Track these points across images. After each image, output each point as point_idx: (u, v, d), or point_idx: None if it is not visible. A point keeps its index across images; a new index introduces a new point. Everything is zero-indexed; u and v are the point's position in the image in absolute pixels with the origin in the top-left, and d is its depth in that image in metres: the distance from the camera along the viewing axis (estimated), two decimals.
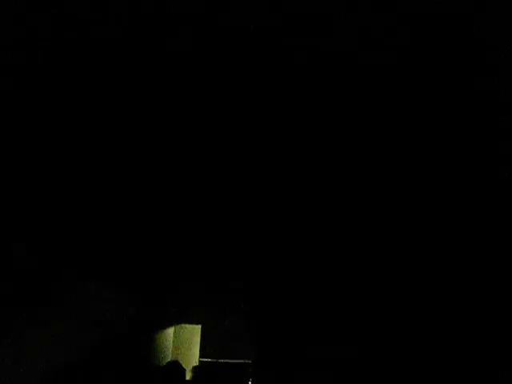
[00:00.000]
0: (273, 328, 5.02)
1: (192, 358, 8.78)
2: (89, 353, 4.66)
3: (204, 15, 1.34)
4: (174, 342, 8.75)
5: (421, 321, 2.78)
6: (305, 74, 1.64)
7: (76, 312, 4.47)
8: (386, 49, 1.48)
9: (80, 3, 1.29)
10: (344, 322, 3.72)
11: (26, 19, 1.36)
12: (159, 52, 1.53)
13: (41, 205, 3.03)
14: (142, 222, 3.43)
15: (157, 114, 1.94)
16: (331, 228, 3.39)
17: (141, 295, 6.15)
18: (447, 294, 2.60)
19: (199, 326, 9.26)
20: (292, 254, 4.17)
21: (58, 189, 2.78)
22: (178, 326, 8.90)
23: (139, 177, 2.60)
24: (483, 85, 1.66)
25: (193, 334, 9.08)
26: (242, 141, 2.15)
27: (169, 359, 8.01)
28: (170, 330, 8.59)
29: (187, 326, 9.07)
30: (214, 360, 8.83)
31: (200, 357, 8.99)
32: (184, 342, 8.86)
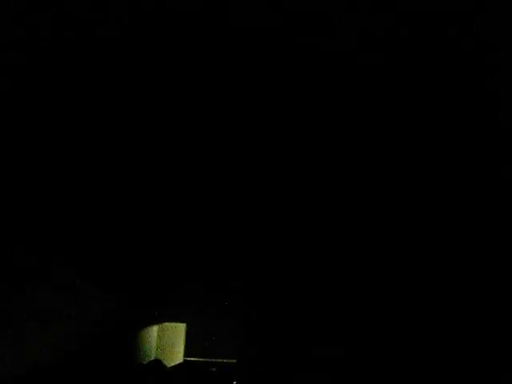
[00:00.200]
0: (258, 328, 5.02)
1: (176, 356, 8.80)
2: (73, 351, 4.65)
3: (204, 15, 1.34)
4: (158, 340, 8.76)
5: (418, 320, 2.78)
6: (305, 74, 1.64)
7: (63, 311, 4.46)
8: (386, 49, 1.48)
9: (80, 3, 1.29)
10: (333, 322, 3.72)
11: (26, 19, 1.36)
12: (159, 52, 1.53)
13: (37, 204, 3.03)
14: (131, 222, 3.44)
15: (157, 114, 1.94)
16: (330, 228, 3.39)
17: (125, 294, 6.14)
18: (447, 295, 2.60)
19: (183, 325, 9.27)
20: (287, 252, 4.17)
21: (56, 188, 2.77)
22: (162, 325, 8.91)
23: (138, 176, 2.60)
24: (483, 85, 1.66)
25: (177, 332, 9.08)
26: (241, 141, 2.15)
27: (152, 358, 8.01)
28: (154, 329, 8.59)
29: (171, 324, 9.09)
30: (199, 359, 8.85)
31: (184, 356, 9.01)
32: (168, 341, 8.88)
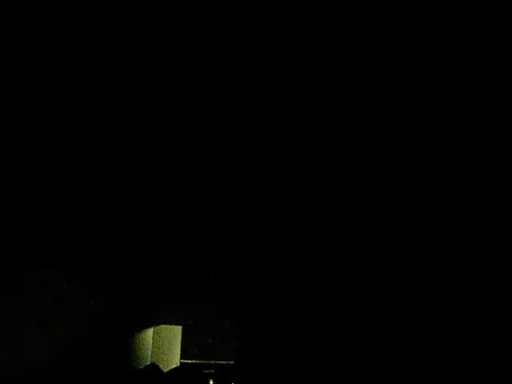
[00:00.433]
0: (257, 328, 5.02)
1: (173, 359, 8.67)
2: (62, 355, 4.63)
3: (204, 15, 1.34)
4: (153, 343, 8.61)
5: (419, 320, 2.78)
6: (305, 74, 1.64)
7: (50, 312, 4.45)
8: (386, 49, 1.48)
9: (80, 3, 1.29)
10: (333, 322, 3.73)
11: (26, 19, 1.36)
12: (159, 52, 1.53)
13: (30, 202, 3.03)
14: (126, 219, 3.44)
15: (157, 114, 1.94)
16: (331, 228, 3.39)
17: (117, 295, 6.08)
18: (447, 294, 2.60)
19: (180, 327, 9.12)
20: (287, 252, 4.17)
21: (51, 187, 2.78)
22: (157, 327, 8.77)
23: (136, 174, 2.60)
24: (483, 85, 1.66)
25: (173, 335, 8.95)
26: (241, 141, 2.15)
27: (148, 362, 7.88)
28: (149, 332, 8.46)
29: (167, 327, 8.94)
30: (196, 361, 8.74)
31: (181, 358, 8.88)
32: (164, 344, 8.74)
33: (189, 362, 8.68)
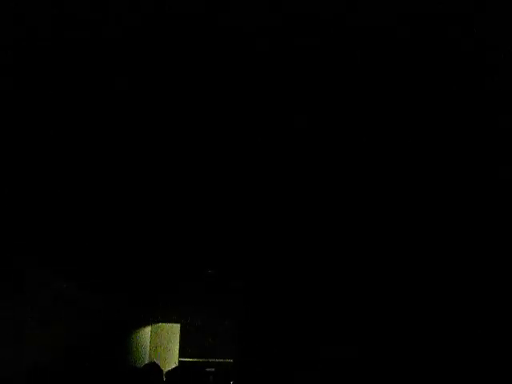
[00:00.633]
0: (257, 328, 5.01)
1: (171, 358, 8.60)
2: (62, 355, 4.61)
3: (204, 15, 1.34)
4: (151, 342, 8.53)
5: (419, 320, 2.78)
6: (304, 74, 1.64)
7: (50, 312, 4.44)
8: (386, 49, 1.48)
9: (80, 3, 1.29)
10: (333, 322, 3.73)
11: (26, 19, 1.36)
12: (159, 52, 1.53)
13: (27, 202, 3.03)
14: (127, 219, 3.43)
15: (156, 114, 1.94)
16: (331, 228, 3.39)
17: (117, 295, 6.05)
18: (446, 295, 2.60)
19: (178, 325, 9.04)
20: (287, 252, 4.16)
21: (51, 187, 2.78)
22: (155, 326, 8.69)
23: (135, 174, 2.60)
24: (483, 85, 1.66)
25: (171, 333, 8.88)
26: (241, 141, 2.15)
27: (146, 360, 7.84)
28: (147, 330, 8.39)
29: (166, 325, 8.86)
30: (195, 360, 8.66)
31: (179, 357, 8.80)
32: (162, 342, 8.67)
33: (187, 360, 8.62)
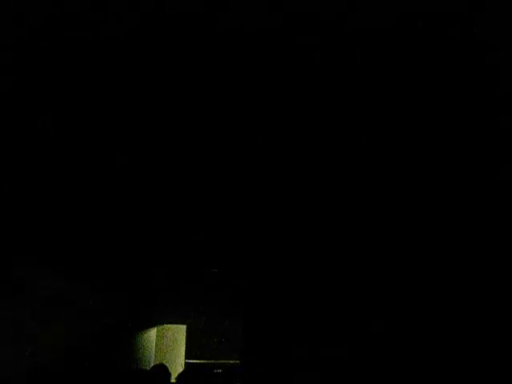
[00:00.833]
0: (263, 328, 5.01)
1: (177, 359, 8.55)
2: (62, 355, 4.60)
3: (204, 15, 1.34)
4: (157, 343, 8.46)
5: (418, 320, 2.78)
6: (305, 74, 1.64)
7: (50, 312, 4.43)
8: (386, 49, 1.48)
9: (80, 3, 1.29)
10: (334, 322, 3.73)
11: (26, 19, 1.36)
12: (159, 52, 1.53)
13: (27, 202, 3.03)
14: (126, 218, 3.44)
15: (157, 114, 1.94)
16: (331, 228, 3.39)
17: (117, 295, 6.03)
18: (443, 294, 2.60)
19: (184, 327, 8.99)
20: (287, 252, 4.17)
21: (52, 188, 2.78)
22: (161, 327, 8.63)
23: (135, 174, 2.60)
24: (483, 85, 1.66)
25: (177, 334, 8.81)
26: (241, 141, 2.16)
27: (152, 362, 7.81)
28: (153, 332, 8.34)
29: (171, 326, 8.80)
30: (201, 361, 8.61)
31: (186, 358, 8.75)
32: (168, 344, 8.61)
33: (194, 361, 8.57)
